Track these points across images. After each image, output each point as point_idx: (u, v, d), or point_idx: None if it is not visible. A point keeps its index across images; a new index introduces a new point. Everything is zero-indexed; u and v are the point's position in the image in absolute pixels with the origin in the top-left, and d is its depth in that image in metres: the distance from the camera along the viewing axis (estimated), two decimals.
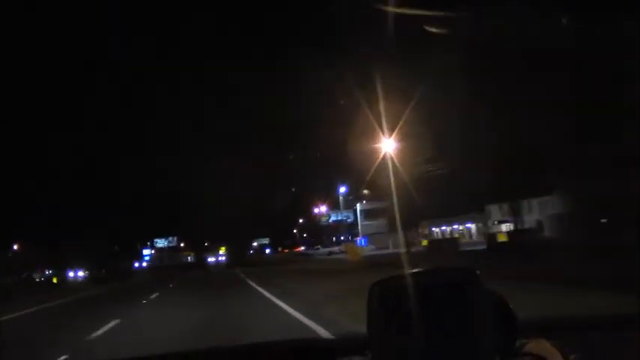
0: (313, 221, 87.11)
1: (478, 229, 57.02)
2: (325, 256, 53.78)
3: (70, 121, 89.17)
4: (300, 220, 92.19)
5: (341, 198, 66.26)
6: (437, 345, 1.00)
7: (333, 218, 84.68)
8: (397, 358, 1.01)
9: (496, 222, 55.35)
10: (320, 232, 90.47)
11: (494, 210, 54.26)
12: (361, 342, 1.22)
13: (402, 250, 27.80)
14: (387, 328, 1.02)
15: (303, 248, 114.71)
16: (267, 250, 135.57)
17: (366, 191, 61.22)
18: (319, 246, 65.04)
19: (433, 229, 64.36)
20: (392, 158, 24.89)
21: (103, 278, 43.79)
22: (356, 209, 68.17)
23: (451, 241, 36.85)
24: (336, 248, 63.38)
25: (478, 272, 1.06)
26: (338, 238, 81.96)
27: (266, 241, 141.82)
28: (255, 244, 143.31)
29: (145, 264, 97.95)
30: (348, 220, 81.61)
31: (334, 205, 75.29)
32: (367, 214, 64.80)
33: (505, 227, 55.32)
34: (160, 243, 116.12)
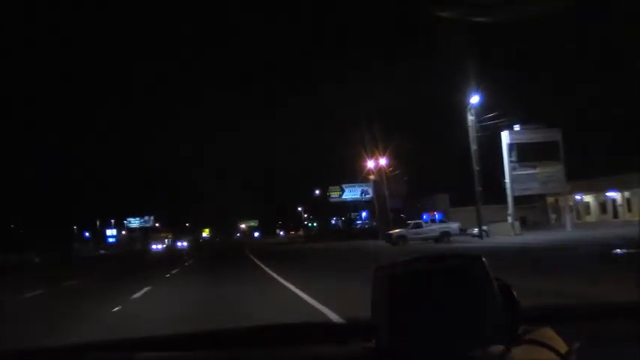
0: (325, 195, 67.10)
1: None
2: (433, 243, 31.69)
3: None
4: (317, 192, 71.57)
5: (470, 119, 33.60)
6: (441, 331, 1.01)
7: (347, 195, 65.49)
8: (401, 344, 1.03)
9: None
10: (327, 211, 72.46)
11: None
12: (368, 326, 1.17)
13: None
14: (391, 313, 1.03)
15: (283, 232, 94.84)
16: (257, 234, 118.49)
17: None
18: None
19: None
20: None
21: None
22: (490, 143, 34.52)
23: None
24: (453, 224, 34.36)
25: (484, 259, 1.06)
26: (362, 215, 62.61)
27: (255, 223, 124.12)
28: (242, 225, 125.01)
29: None
30: (366, 197, 62.39)
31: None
32: (525, 153, 33.96)
33: None
34: (134, 223, 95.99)
